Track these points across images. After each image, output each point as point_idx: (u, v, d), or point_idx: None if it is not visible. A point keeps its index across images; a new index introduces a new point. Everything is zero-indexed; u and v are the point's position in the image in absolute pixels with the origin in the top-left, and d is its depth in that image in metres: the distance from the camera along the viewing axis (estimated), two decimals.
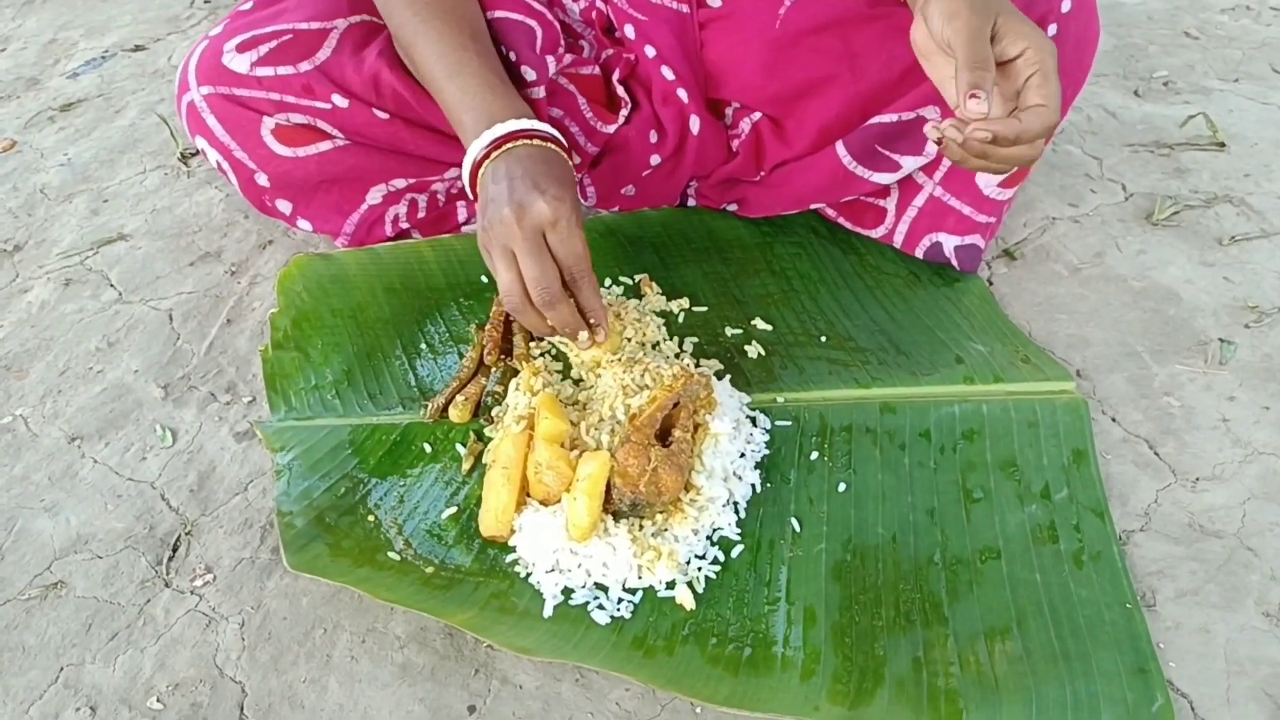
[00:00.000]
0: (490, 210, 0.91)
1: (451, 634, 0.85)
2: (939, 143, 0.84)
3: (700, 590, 0.86)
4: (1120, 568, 0.86)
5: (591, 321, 0.96)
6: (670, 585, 0.86)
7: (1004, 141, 0.81)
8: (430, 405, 1.00)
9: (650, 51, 1.17)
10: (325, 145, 1.10)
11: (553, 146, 0.95)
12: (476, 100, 0.97)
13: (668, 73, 1.16)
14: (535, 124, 0.95)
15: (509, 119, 0.95)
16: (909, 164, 1.10)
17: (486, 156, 0.94)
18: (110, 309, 1.19)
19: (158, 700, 0.81)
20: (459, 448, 0.98)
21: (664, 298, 1.13)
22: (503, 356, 1.04)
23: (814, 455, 0.96)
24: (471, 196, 0.98)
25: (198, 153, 1.39)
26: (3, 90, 1.68)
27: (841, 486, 0.93)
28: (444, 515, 0.92)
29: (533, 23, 1.13)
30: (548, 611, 0.84)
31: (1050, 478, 0.94)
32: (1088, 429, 0.98)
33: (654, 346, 1.05)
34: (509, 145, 0.93)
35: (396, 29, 1.03)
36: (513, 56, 1.11)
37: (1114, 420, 1.01)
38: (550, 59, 1.13)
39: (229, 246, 1.28)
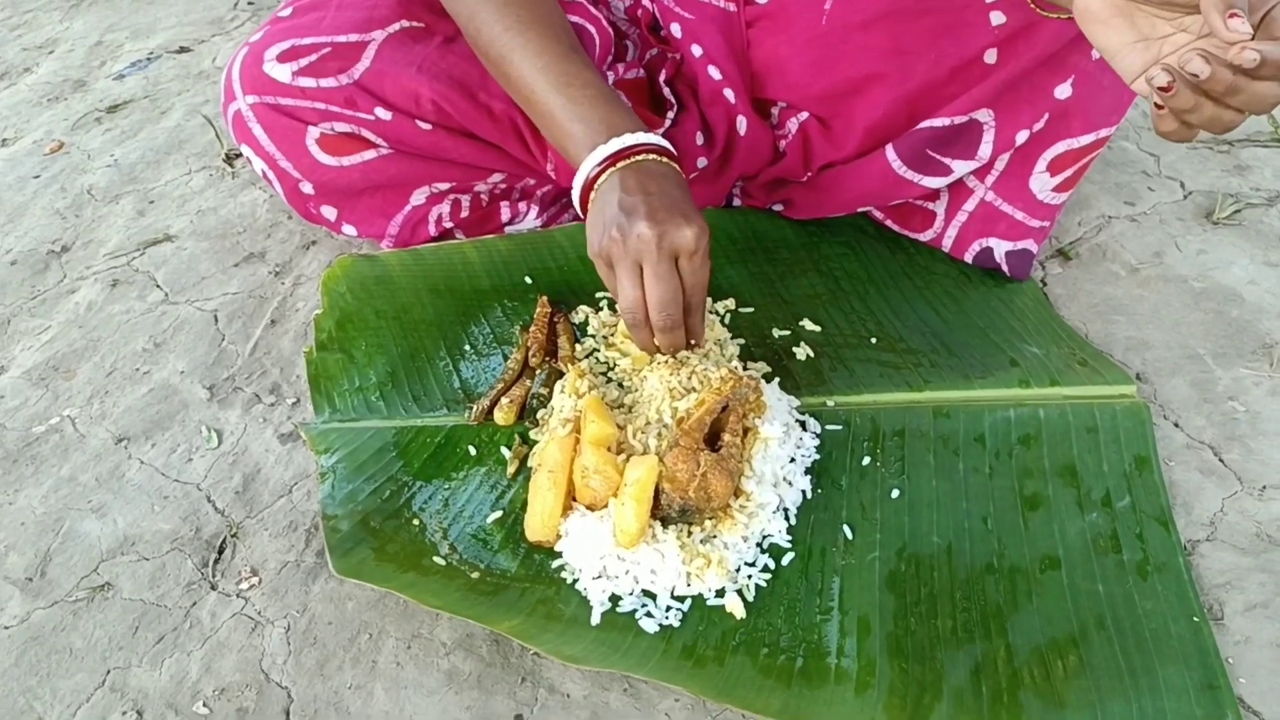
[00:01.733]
0: (622, 222, 0.87)
1: (498, 641, 0.84)
2: (1166, 89, 0.63)
3: (750, 599, 0.84)
4: (1186, 579, 0.83)
5: (692, 343, 0.95)
6: (720, 593, 0.84)
7: (1270, 68, 0.60)
8: (475, 407, 0.99)
9: (697, 51, 1.15)
10: (370, 154, 1.10)
11: (675, 165, 0.92)
12: (593, 110, 0.92)
13: (714, 72, 1.14)
14: (661, 140, 0.92)
15: (626, 131, 0.90)
16: (960, 168, 1.08)
17: (610, 164, 0.89)
18: (157, 310, 1.20)
19: (204, 705, 0.81)
20: (504, 451, 0.96)
21: (710, 299, 1.11)
22: (548, 358, 1.03)
23: (866, 460, 0.94)
24: (578, 206, 0.94)
25: (241, 154, 1.39)
26: (51, 92, 1.69)
27: (894, 493, 0.91)
28: (489, 519, 0.91)
29: (592, 29, 1.12)
30: (595, 619, 0.82)
31: (1111, 485, 0.91)
32: (1150, 434, 0.95)
33: (718, 344, 1.03)
34: (635, 158, 0.89)
35: (486, 46, 0.98)
36: None
37: (1176, 425, 0.98)
38: (610, 73, 1.13)
39: (273, 247, 1.27)
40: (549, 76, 0.94)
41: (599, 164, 0.90)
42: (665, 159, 0.91)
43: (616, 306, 0.93)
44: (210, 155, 1.47)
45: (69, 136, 1.55)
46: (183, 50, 1.75)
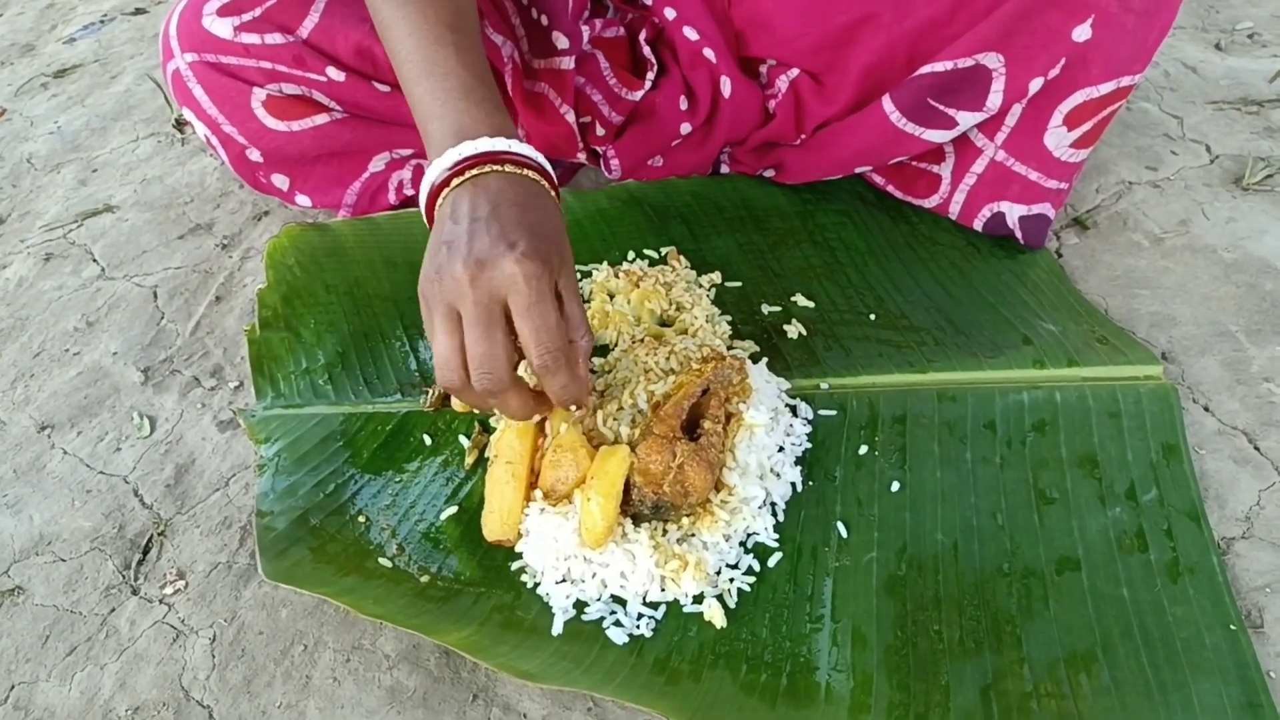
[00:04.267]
0: (439, 255, 0.70)
1: (448, 652, 0.74)
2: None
3: (732, 605, 0.75)
4: (1221, 582, 0.74)
5: (571, 407, 0.76)
6: (698, 599, 0.75)
7: None
8: (430, 392, 0.90)
9: (670, 14, 1.05)
10: (321, 118, 1.01)
11: (534, 176, 0.75)
12: (446, 107, 0.77)
13: (691, 33, 1.05)
14: (512, 144, 0.74)
15: (481, 135, 0.74)
16: (966, 120, 0.98)
17: (447, 182, 0.73)
18: (91, 286, 1.10)
19: None
20: (462, 440, 0.87)
21: (694, 272, 1.01)
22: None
23: (863, 450, 0.84)
24: (428, 226, 0.77)
25: None
26: None
27: (894, 486, 0.82)
28: (443, 516, 0.82)
29: None
30: (557, 628, 0.73)
31: (1136, 476, 0.81)
32: (1178, 420, 0.85)
33: (708, 321, 0.94)
34: (476, 170, 0.72)
35: (373, 13, 0.85)
36: (544, 21, 1.01)
37: (1207, 410, 0.88)
38: (586, 28, 1.03)
39: (221, 218, 1.18)
40: (415, 61, 0.80)
41: (437, 179, 0.74)
42: (517, 168, 0.74)
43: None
44: (160, 121, 1.37)
45: (12, 103, 1.45)
46: (138, 11, 1.65)
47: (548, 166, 0.77)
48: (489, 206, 0.71)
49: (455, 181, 0.73)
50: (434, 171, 0.74)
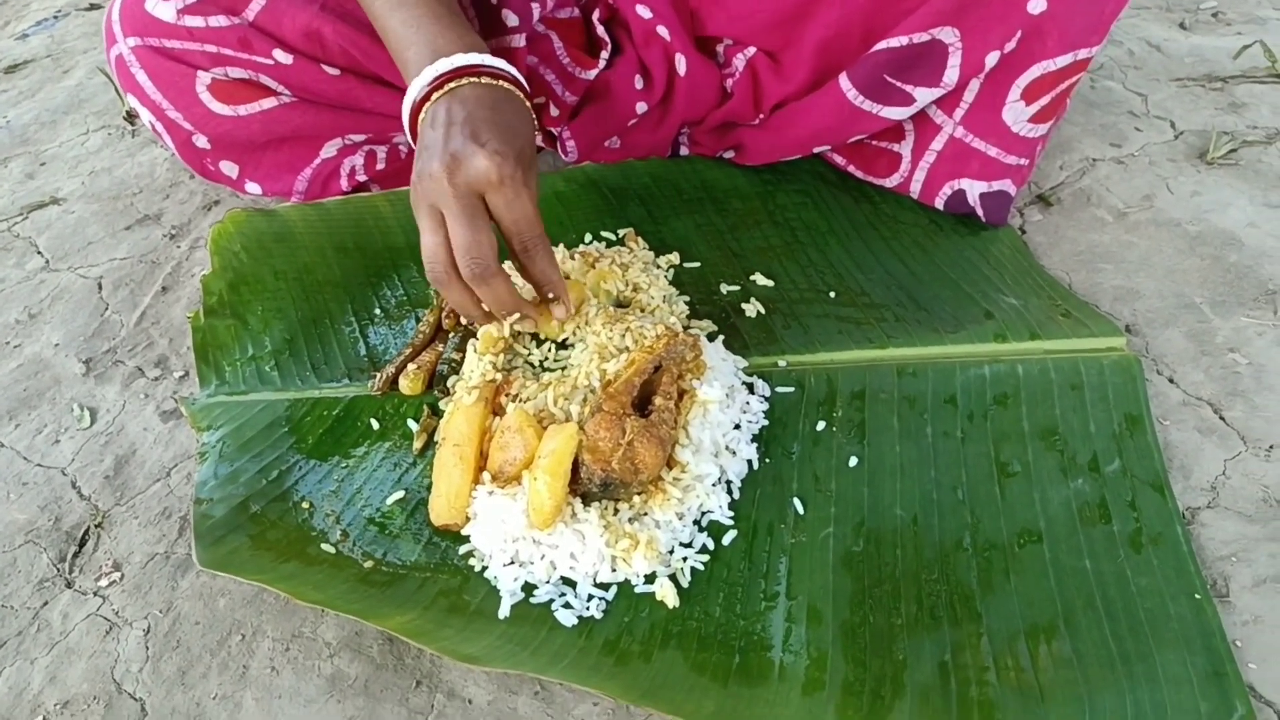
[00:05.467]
0: (421, 161, 0.76)
1: (392, 639, 0.72)
2: None
3: (685, 584, 0.72)
4: (1185, 551, 0.72)
5: (550, 296, 0.82)
6: (649, 579, 0.72)
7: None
8: (379, 376, 0.88)
9: None
10: (269, 102, 0.98)
11: (506, 85, 0.80)
12: (420, 33, 0.81)
13: (644, 11, 1.03)
14: (485, 59, 0.80)
15: (456, 52, 0.79)
16: (923, 96, 0.96)
17: (427, 97, 0.79)
18: (35, 278, 1.07)
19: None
20: (410, 424, 0.85)
21: (651, 254, 0.99)
22: (462, 321, 0.91)
23: (820, 425, 0.83)
24: (412, 143, 0.83)
25: None
26: None
27: (853, 461, 0.79)
28: (389, 501, 0.79)
29: None
30: (504, 612, 0.71)
31: (1099, 448, 0.79)
32: (1142, 391, 0.83)
33: (665, 301, 0.91)
34: (453, 84, 0.78)
35: None
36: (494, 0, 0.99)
37: (1171, 381, 0.87)
38: (535, 5, 1.01)
39: (170, 209, 1.15)
40: None
41: (418, 95, 0.79)
42: (491, 79, 0.79)
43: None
44: (111, 114, 1.34)
45: None
46: (93, 7, 1.62)
47: (520, 78, 0.82)
48: (464, 112, 0.76)
49: (434, 96, 0.78)
50: (414, 89, 0.79)
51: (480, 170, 0.73)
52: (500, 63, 0.81)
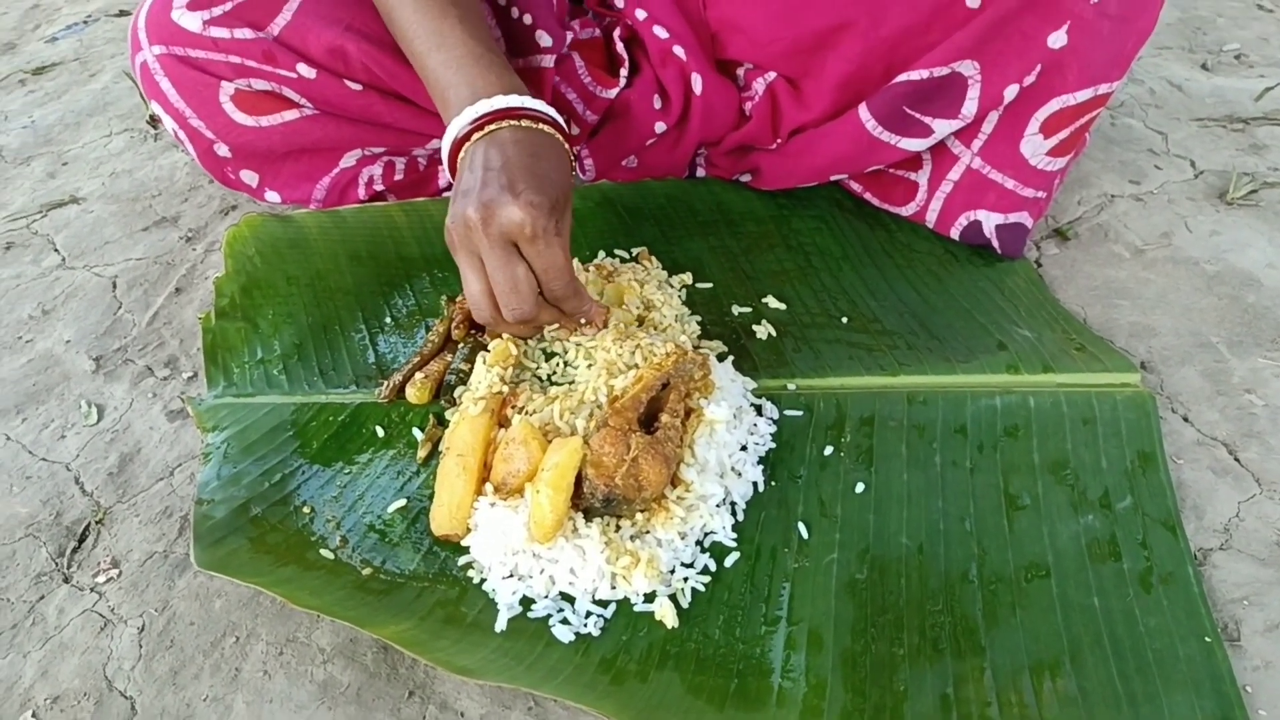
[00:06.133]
0: (457, 205, 0.76)
1: (386, 648, 0.71)
2: None
3: (685, 605, 0.71)
4: (1196, 593, 0.71)
5: (583, 322, 0.84)
6: (649, 598, 0.71)
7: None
8: (387, 383, 0.87)
9: (641, 14, 1.04)
10: (291, 114, 0.99)
11: (546, 129, 0.80)
12: (460, 74, 0.82)
13: (660, 31, 1.04)
14: (525, 101, 0.80)
15: (496, 94, 0.80)
16: (942, 128, 0.96)
17: (467, 137, 0.79)
18: (50, 275, 1.08)
19: (33, 715, 0.68)
20: (415, 433, 0.84)
21: (665, 273, 0.99)
22: (472, 331, 0.91)
23: (828, 450, 0.82)
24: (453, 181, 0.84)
25: None
26: None
27: (859, 487, 0.79)
28: (390, 509, 0.79)
29: None
30: (500, 625, 0.70)
31: (1110, 484, 0.78)
32: (1155, 428, 0.82)
33: (676, 320, 0.91)
34: (493, 126, 0.79)
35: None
36: (528, 20, 1.00)
37: (1186, 420, 0.86)
38: (569, 33, 1.02)
39: (188, 212, 1.16)
40: (425, 37, 0.85)
41: (458, 135, 0.80)
42: (531, 123, 0.80)
43: None
44: (135, 118, 1.35)
45: None
46: (122, 13, 1.64)
47: (559, 119, 0.83)
48: (501, 158, 0.76)
49: (475, 136, 0.79)
50: (454, 129, 0.80)
51: (514, 222, 0.74)
52: (540, 105, 0.81)
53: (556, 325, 0.84)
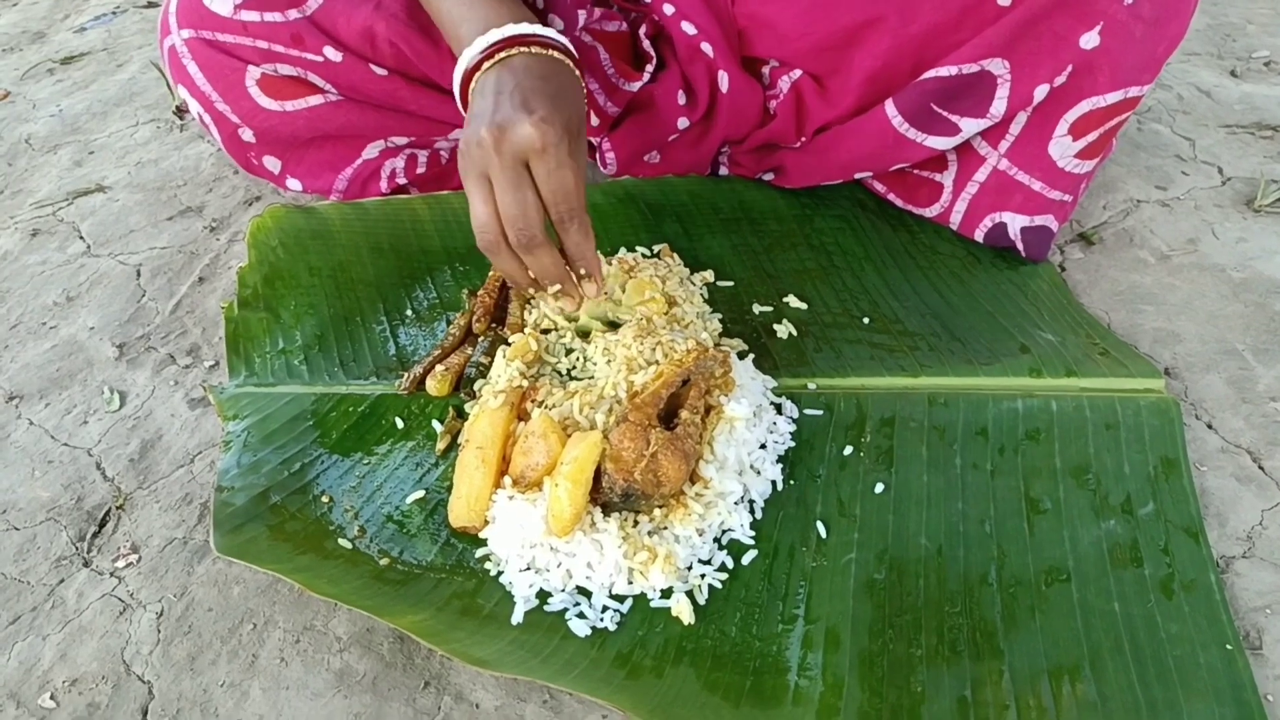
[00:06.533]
0: (469, 129, 0.77)
1: (403, 638, 0.71)
2: None
3: (702, 602, 0.71)
4: (1219, 600, 0.70)
5: (581, 272, 0.83)
6: (666, 594, 0.71)
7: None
8: (407, 375, 0.88)
9: (669, 10, 1.04)
10: (316, 100, 0.99)
11: (557, 55, 0.80)
12: (473, 10, 0.82)
13: (688, 28, 1.03)
14: (537, 29, 0.80)
15: (507, 23, 0.80)
16: (969, 127, 0.95)
17: (478, 66, 0.79)
18: (75, 262, 1.08)
19: (51, 697, 0.69)
20: (435, 425, 0.84)
21: (686, 270, 0.99)
22: (493, 325, 0.91)
23: (848, 450, 0.81)
24: (463, 112, 0.83)
25: None
26: (7, 43, 1.60)
27: (879, 488, 0.78)
28: (408, 500, 0.79)
29: None
30: (517, 617, 0.70)
31: (1133, 489, 0.78)
32: (1179, 434, 0.82)
33: (699, 317, 0.91)
34: (504, 54, 0.79)
35: None
36: (540, 3, 1.00)
37: (1210, 427, 0.85)
38: (582, 13, 1.02)
39: (212, 202, 1.16)
40: None
41: (469, 65, 0.80)
42: (541, 49, 0.79)
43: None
44: (162, 108, 1.36)
45: (17, 86, 1.45)
46: (150, 4, 1.65)
47: (571, 48, 0.82)
48: (513, 81, 0.76)
49: (485, 65, 0.79)
50: (465, 59, 0.80)
51: (525, 138, 0.74)
52: (551, 32, 0.81)
53: (555, 287, 0.83)
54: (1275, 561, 0.74)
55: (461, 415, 0.85)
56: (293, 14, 0.95)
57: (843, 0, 0.96)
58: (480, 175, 0.77)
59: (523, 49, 0.79)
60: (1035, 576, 0.72)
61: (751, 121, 1.07)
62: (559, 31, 0.99)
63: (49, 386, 0.94)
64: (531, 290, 0.86)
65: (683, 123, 1.06)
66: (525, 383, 0.82)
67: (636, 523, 0.74)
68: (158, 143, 1.28)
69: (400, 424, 0.85)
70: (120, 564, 0.77)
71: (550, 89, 0.77)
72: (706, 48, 1.03)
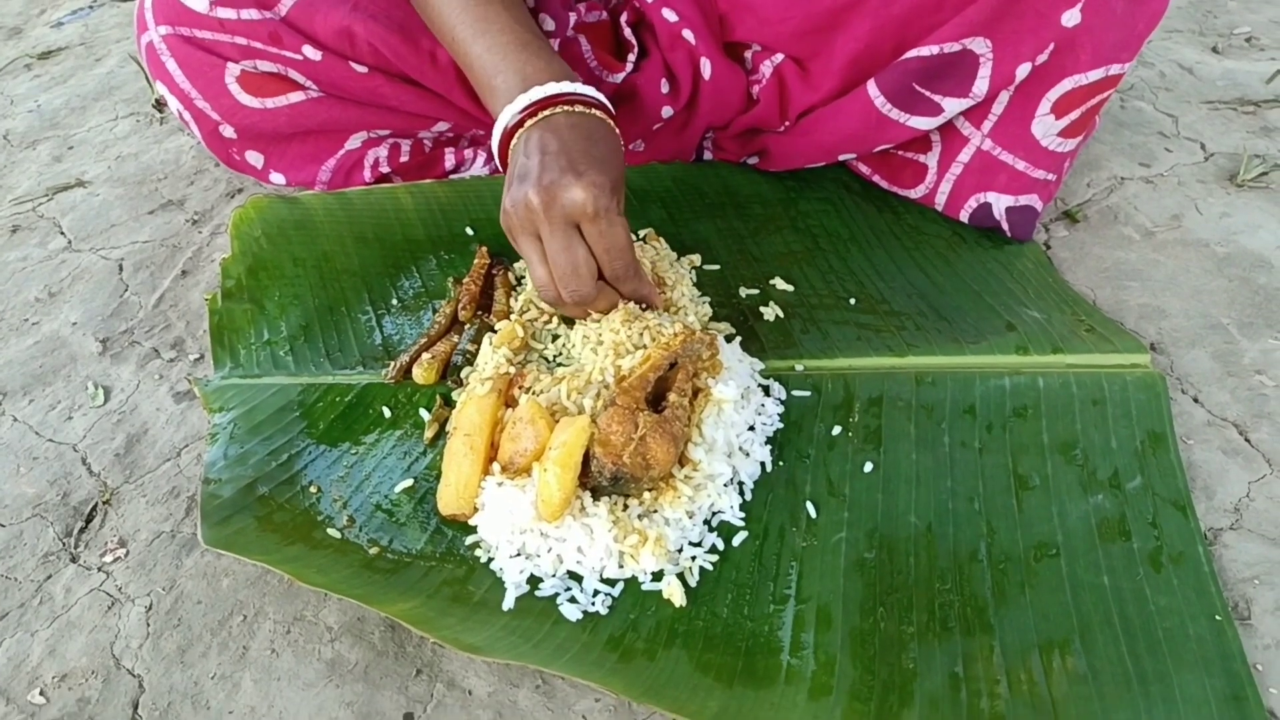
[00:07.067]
0: (516, 189, 0.76)
1: (394, 626, 0.71)
2: None
3: (693, 584, 0.71)
4: (1207, 572, 0.70)
5: (643, 307, 0.83)
6: (657, 577, 0.71)
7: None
8: (393, 364, 0.87)
9: None
10: (297, 96, 0.99)
11: (599, 115, 0.80)
12: (507, 61, 0.82)
13: (669, 15, 1.03)
14: (578, 87, 0.80)
15: (548, 81, 0.80)
16: (952, 106, 0.95)
17: (520, 124, 0.79)
18: (56, 258, 1.08)
19: (40, 693, 0.68)
20: (423, 413, 0.84)
21: (674, 254, 0.98)
22: (479, 313, 0.90)
23: (836, 430, 0.81)
24: (501, 169, 0.83)
25: None
26: None
27: (868, 467, 0.78)
28: (397, 489, 0.78)
29: None
30: (508, 603, 0.70)
31: (1120, 464, 0.78)
32: (1165, 408, 0.82)
33: (692, 302, 0.91)
34: (546, 112, 0.78)
35: None
36: (530, 2, 0.99)
37: (1196, 400, 0.85)
38: (572, 14, 1.01)
39: (194, 195, 1.15)
40: (468, 22, 0.84)
41: (510, 122, 0.80)
42: (584, 108, 0.80)
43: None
44: (141, 101, 1.35)
45: None
46: None
47: (609, 105, 0.83)
48: (558, 143, 0.76)
49: (528, 123, 0.79)
50: (505, 117, 0.80)
51: (578, 202, 0.74)
52: (592, 91, 0.81)
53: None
54: (1263, 533, 0.74)
55: (449, 403, 0.85)
56: (266, 13, 0.94)
57: None
58: (531, 236, 0.77)
59: (565, 108, 0.78)
60: (1024, 552, 0.72)
61: (735, 107, 1.07)
62: (550, 33, 0.99)
63: (32, 383, 0.93)
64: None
65: (666, 111, 1.06)
66: (512, 369, 0.82)
67: (626, 506, 0.74)
68: (137, 136, 1.27)
69: (387, 413, 0.85)
70: (108, 558, 0.77)
71: (596, 151, 0.77)
72: (688, 35, 1.02)
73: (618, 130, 0.82)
